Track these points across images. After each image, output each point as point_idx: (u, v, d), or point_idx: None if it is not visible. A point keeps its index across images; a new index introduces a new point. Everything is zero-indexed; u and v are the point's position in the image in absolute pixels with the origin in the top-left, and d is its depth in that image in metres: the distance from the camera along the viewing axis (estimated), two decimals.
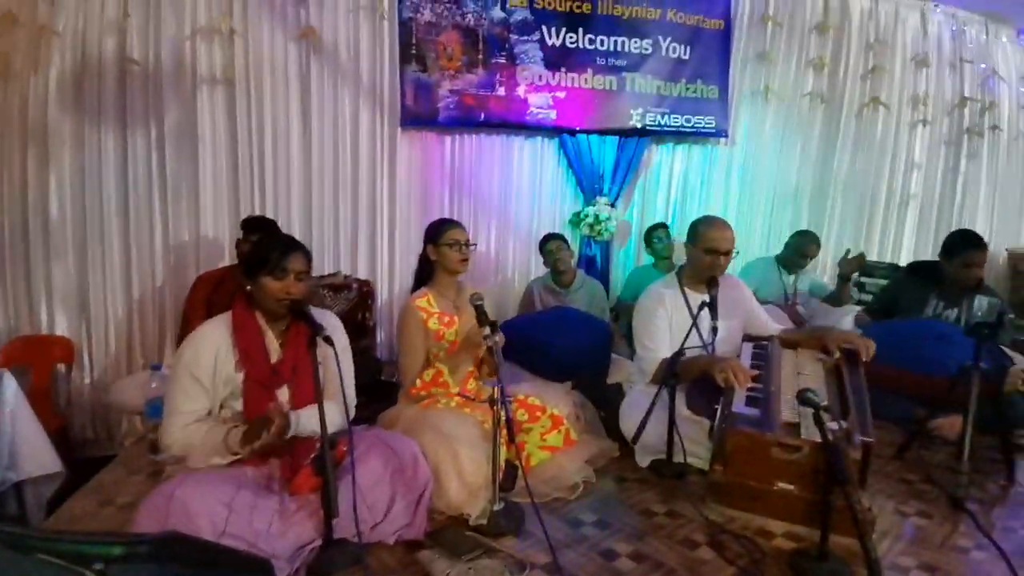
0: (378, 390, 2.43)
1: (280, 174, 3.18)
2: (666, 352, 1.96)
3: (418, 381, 1.90)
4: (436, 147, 3.51)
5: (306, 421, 1.42)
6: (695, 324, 1.94)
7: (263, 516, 1.30)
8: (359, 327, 2.90)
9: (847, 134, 4.34)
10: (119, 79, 2.83)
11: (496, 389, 1.46)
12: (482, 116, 3.46)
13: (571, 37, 3.55)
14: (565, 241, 3.22)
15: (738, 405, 1.72)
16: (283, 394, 1.50)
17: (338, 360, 1.26)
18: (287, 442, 1.42)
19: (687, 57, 3.82)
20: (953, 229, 3.10)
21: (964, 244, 2.50)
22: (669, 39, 3.75)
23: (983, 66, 4.59)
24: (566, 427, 1.94)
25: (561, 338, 2.57)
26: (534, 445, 1.88)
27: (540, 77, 3.52)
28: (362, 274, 3.31)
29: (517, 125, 3.56)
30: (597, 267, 3.81)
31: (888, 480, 1.92)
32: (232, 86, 3.01)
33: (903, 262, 4.18)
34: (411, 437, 1.60)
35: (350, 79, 3.24)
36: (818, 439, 1.37)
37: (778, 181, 4.28)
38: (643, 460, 1.97)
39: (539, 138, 3.70)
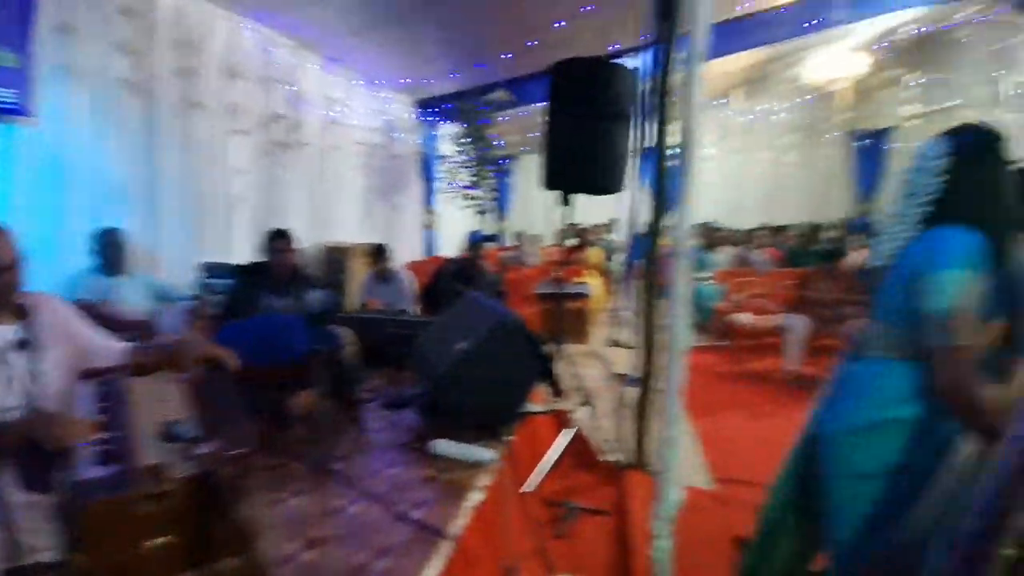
0: None
1: None
2: None
3: None
4: None
5: None
6: (7, 373, 1.38)
7: None
8: None
9: (170, 132, 4.21)
10: None
11: None
12: None
13: None
14: None
15: (87, 469, 1.35)
16: None
17: None
18: None
19: None
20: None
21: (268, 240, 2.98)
22: None
23: (292, 88, 5.45)
24: None
25: None
26: None
27: None
28: None
29: None
30: None
31: (258, 475, 2.02)
32: None
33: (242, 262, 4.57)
34: None
35: None
36: (190, 472, 1.26)
37: (99, 175, 3.67)
38: None
39: None
